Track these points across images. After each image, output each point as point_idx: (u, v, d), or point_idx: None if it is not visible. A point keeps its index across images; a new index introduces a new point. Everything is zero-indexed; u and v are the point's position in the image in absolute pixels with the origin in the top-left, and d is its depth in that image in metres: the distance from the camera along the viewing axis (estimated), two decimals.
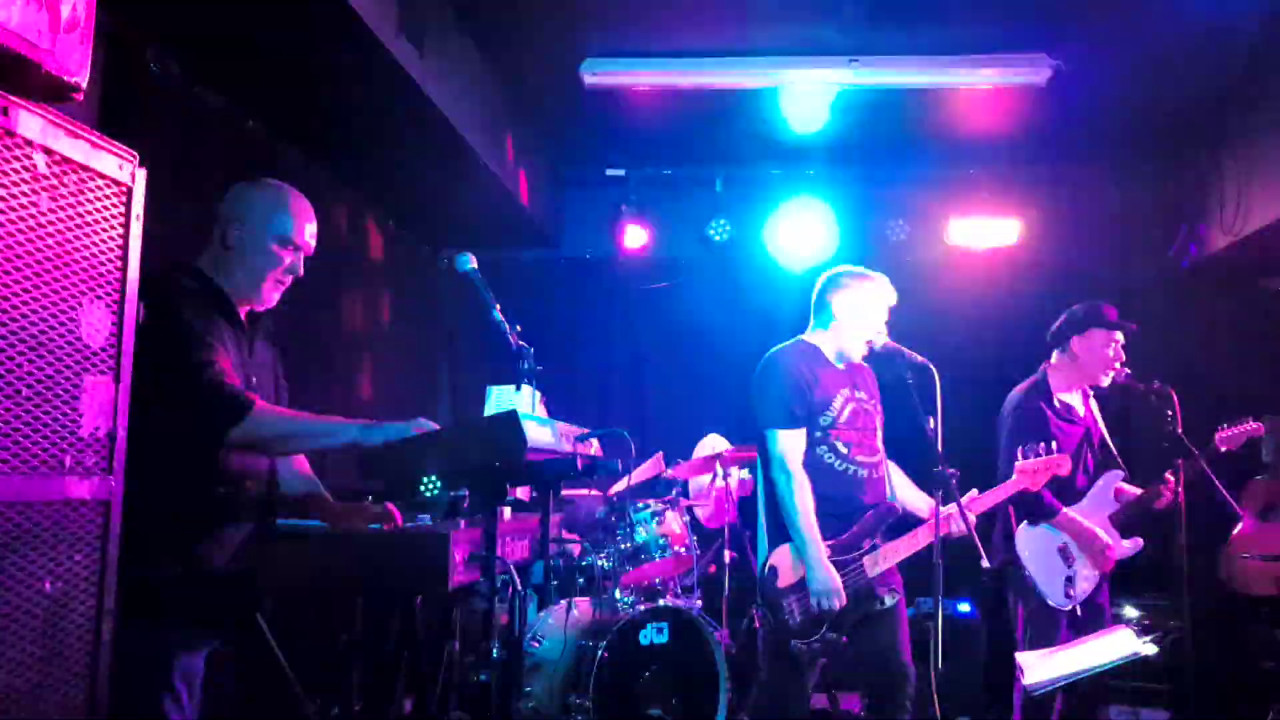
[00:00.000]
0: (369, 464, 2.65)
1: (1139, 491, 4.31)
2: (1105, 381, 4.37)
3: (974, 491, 3.87)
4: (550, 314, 6.73)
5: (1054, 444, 3.93)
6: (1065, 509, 4.22)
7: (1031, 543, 4.23)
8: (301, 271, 2.88)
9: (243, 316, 2.84)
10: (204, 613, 2.54)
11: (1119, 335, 4.36)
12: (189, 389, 2.55)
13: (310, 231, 2.88)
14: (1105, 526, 4.29)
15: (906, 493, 3.97)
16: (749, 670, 4.76)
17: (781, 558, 3.72)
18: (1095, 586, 4.23)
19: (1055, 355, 4.47)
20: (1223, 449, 4.34)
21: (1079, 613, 4.13)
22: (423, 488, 2.64)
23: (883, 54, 5.00)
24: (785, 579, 3.69)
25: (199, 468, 2.61)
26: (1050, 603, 4.15)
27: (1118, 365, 4.33)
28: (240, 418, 2.56)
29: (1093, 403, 4.49)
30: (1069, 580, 4.11)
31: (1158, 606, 5.10)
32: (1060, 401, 4.37)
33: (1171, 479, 4.18)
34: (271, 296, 2.87)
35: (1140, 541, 4.28)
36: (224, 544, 2.65)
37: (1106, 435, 4.48)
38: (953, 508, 3.55)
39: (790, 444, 3.72)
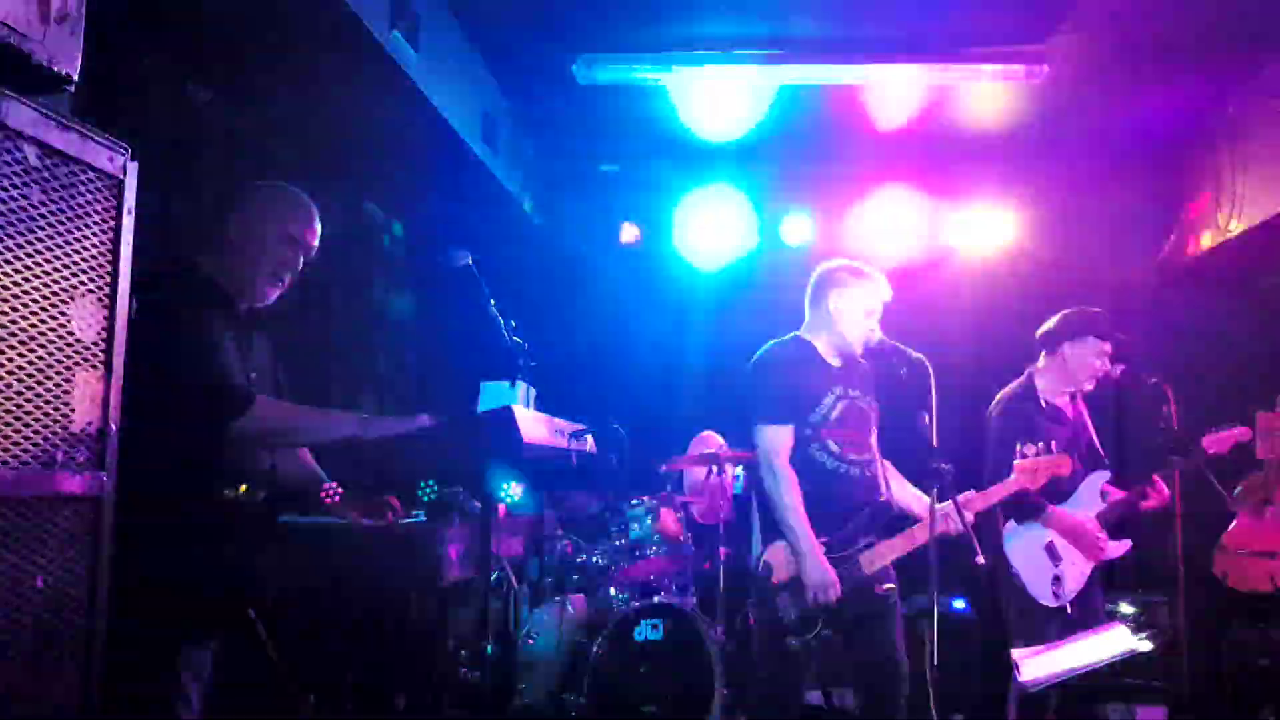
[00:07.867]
0: (367, 458, 2.66)
1: (1125, 493, 4.31)
2: (1089, 387, 4.37)
3: (970, 492, 3.84)
4: (545, 309, 6.70)
5: (1052, 444, 3.92)
6: (1052, 506, 4.22)
7: (1018, 541, 4.22)
8: (300, 268, 2.87)
9: (241, 313, 2.82)
10: (201, 609, 2.53)
11: (1109, 346, 4.36)
12: (191, 383, 2.54)
13: (313, 231, 2.87)
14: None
15: (901, 492, 3.95)
16: (743, 667, 4.76)
17: (775, 554, 3.70)
18: (1086, 583, 4.22)
19: (1043, 358, 4.44)
20: (1210, 452, 4.33)
21: (1070, 611, 4.12)
22: (420, 492, 2.64)
23: (875, 50, 4.99)
24: (779, 575, 3.67)
25: (200, 462, 2.60)
26: (1039, 602, 4.15)
27: (1103, 373, 4.33)
28: (242, 411, 2.56)
29: (1081, 404, 4.48)
30: (1057, 579, 4.09)
31: (1152, 603, 5.10)
32: (1047, 403, 4.36)
33: (1159, 480, 4.18)
34: (269, 294, 2.85)
35: (1129, 543, 4.26)
36: (223, 540, 2.64)
37: (1095, 436, 4.46)
38: (949, 505, 3.54)
39: (776, 440, 3.71)
